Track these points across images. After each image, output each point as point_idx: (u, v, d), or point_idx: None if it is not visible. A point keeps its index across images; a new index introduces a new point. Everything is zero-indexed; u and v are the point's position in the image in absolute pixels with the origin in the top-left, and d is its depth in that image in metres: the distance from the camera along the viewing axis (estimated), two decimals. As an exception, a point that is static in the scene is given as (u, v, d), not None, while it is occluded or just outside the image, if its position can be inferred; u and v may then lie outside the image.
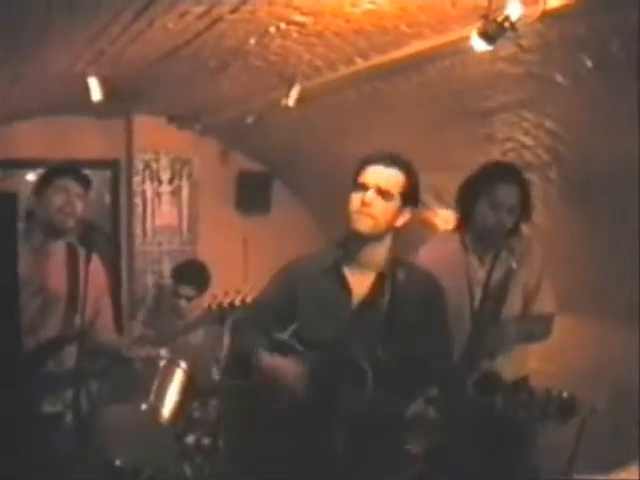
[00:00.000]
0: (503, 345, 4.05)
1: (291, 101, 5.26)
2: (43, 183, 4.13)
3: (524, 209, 4.10)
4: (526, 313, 4.23)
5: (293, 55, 4.84)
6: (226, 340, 4.15)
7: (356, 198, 3.26)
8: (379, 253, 3.35)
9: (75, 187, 4.10)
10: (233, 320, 3.83)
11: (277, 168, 8.04)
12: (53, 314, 4.09)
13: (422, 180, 5.71)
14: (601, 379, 5.04)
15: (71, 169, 4.19)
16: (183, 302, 6.21)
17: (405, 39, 4.22)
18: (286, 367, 3.30)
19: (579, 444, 4.25)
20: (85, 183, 4.17)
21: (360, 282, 3.33)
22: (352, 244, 3.36)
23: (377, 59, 4.56)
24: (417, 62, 4.45)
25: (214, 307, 3.88)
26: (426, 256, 4.29)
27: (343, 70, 4.91)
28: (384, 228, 3.28)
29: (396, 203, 3.25)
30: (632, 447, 4.45)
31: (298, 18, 4.15)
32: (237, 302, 3.82)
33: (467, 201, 4.18)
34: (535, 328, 4.27)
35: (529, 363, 4.46)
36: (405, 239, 4.89)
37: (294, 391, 3.25)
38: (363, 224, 3.24)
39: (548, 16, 3.47)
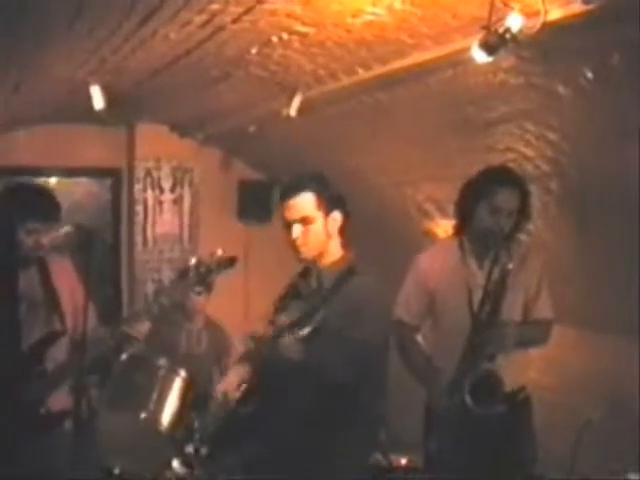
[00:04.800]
0: (502, 346, 4.05)
1: (292, 111, 5.26)
2: (15, 225, 4.07)
3: (523, 214, 4.16)
4: (526, 318, 4.27)
5: (295, 65, 4.84)
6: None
7: (289, 234, 3.56)
8: (324, 259, 3.62)
9: (44, 227, 4.05)
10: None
11: (278, 177, 8.04)
12: (37, 318, 4.11)
13: (423, 191, 5.74)
14: (597, 391, 5.04)
15: (40, 211, 4.09)
16: (193, 299, 6.22)
17: (406, 50, 4.22)
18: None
19: (576, 455, 4.25)
20: (55, 215, 4.11)
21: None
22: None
23: (378, 69, 4.56)
24: (418, 73, 4.45)
25: (192, 272, 3.87)
26: (424, 263, 4.39)
27: (344, 80, 4.90)
28: (323, 244, 3.58)
29: (319, 219, 3.53)
30: (629, 459, 4.46)
31: (300, 28, 4.15)
32: (213, 265, 3.82)
33: (466, 204, 4.23)
34: (535, 333, 4.31)
35: (528, 372, 4.47)
36: (407, 250, 4.90)
37: None
38: (304, 254, 3.58)
39: (549, 27, 3.47)
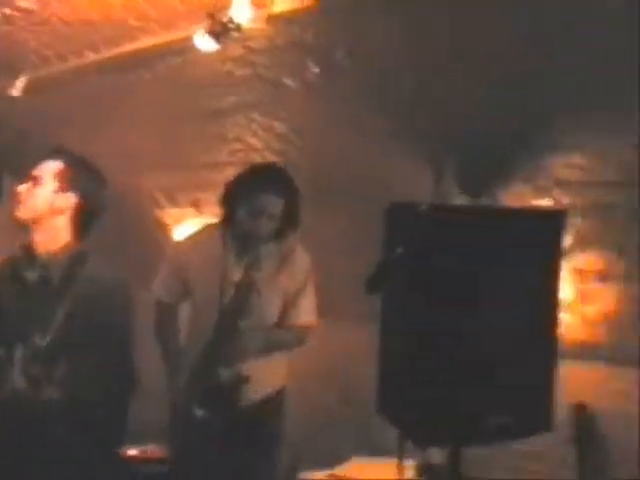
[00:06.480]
0: (241, 355, 3.87)
1: (16, 91, 5.07)
2: None
3: (289, 217, 3.92)
4: (282, 321, 4.09)
5: (19, 43, 4.65)
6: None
7: None
8: (49, 241, 3.26)
9: None
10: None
11: (6, 159, 7.72)
12: None
13: (153, 179, 5.66)
14: (332, 378, 5.15)
15: None
16: None
17: (134, 33, 4.16)
18: None
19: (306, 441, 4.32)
20: None
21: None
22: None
23: (107, 52, 4.46)
24: (148, 58, 4.39)
25: None
26: (183, 245, 4.27)
27: (73, 62, 4.77)
28: (41, 213, 3.21)
29: (50, 187, 3.20)
30: (356, 443, 4.60)
31: (22, 4, 4.01)
32: None
33: (228, 204, 3.99)
34: (286, 337, 4.14)
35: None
36: (140, 239, 4.80)
37: None
38: (18, 211, 3.21)
39: (277, 20, 3.51)
